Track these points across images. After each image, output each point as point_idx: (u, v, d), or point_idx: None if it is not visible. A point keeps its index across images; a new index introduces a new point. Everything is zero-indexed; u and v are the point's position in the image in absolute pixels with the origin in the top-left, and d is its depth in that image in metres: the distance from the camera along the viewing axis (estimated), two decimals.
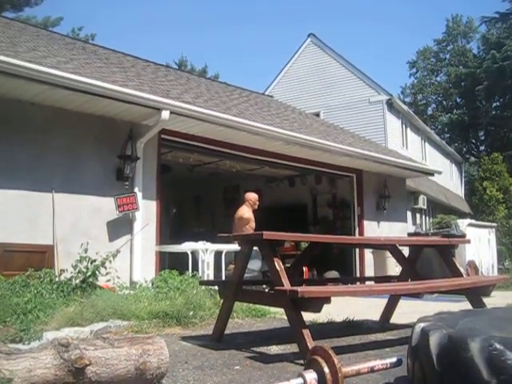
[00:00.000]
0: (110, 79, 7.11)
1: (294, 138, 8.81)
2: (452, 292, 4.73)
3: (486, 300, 4.68)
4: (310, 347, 3.11)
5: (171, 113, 7.00)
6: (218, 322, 4.15)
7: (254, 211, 8.29)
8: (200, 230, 11.60)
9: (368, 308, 5.58)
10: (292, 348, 3.57)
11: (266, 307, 5.44)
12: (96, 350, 2.31)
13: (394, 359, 2.49)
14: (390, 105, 18.23)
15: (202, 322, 4.70)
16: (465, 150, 39.57)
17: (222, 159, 10.32)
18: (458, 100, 40.04)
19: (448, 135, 39.30)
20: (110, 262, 6.02)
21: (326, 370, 2.16)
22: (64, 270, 5.90)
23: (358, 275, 11.15)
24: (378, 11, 73.96)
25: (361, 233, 11.52)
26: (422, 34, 77.26)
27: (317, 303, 3.37)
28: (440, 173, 14.81)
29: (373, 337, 4.12)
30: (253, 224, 8.04)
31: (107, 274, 5.92)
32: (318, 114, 15.47)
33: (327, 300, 3.26)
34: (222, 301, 4.32)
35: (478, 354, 1.88)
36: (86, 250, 5.84)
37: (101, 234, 6.94)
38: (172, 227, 11.58)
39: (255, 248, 4.12)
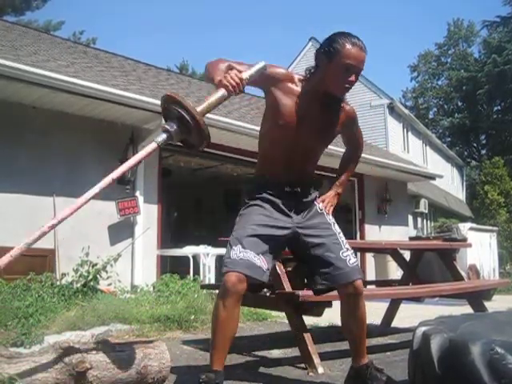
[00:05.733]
0: (111, 83, 7.13)
1: None
2: (453, 296, 4.73)
3: (487, 304, 4.67)
4: (311, 351, 3.11)
5: None
6: None
7: None
8: (201, 233, 11.60)
9: (369, 312, 5.57)
10: (293, 352, 3.56)
11: (268, 311, 5.44)
12: (97, 353, 2.31)
13: None
14: (392, 109, 18.23)
15: (204, 326, 4.68)
16: (466, 153, 39.55)
17: (223, 163, 10.32)
18: (460, 104, 40.05)
19: (449, 139, 39.31)
20: (112, 265, 6.02)
21: (183, 111, 2.09)
22: (65, 274, 5.91)
23: None
24: (378, 15, 74.12)
25: (362, 237, 11.52)
26: (423, 37, 77.57)
27: (318, 307, 3.37)
28: (441, 177, 14.81)
29: (374, 341, 4.11)
30: None
31: (108, 277, 5.93)
32: None
33: (328, 304, 3.26)
34: None
35: (479, 357, 1.87)
36: (87, 254, 5.85)
37: (102, 238, 6.95)
38: (173, 231, 11.59)
39: None
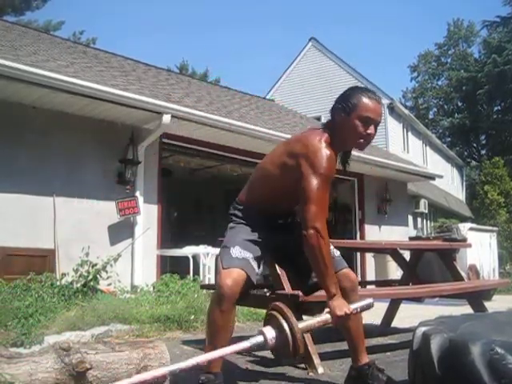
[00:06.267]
0: (110, 83, 7.13)
1: None
2: (453, 296, 4.73)
3: (487, 304, 4.67)
4: (311, 351, 3.11)
5: (172, 117, 7.01)
6: None
7: None
8: (201, 233, 11.59)
9: (369, 312, 5.57)
10: None
11: None
12: (97, 353, 2.31)
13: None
14: (392, 109, 18.24)
15: (203, 326, 4.67)
16: (466, 153, 39.57)
17: (224, 163, 10.32)
18: (460, 104, 40.06)
19: (449, 139, 39.32)
20: (111, 265, 6.01)
21: (285, 325, 2.11)
22: (65, 274, 5.90)
23: (359, 279, 11.13)
24: (378, 15, 74.15)
25: (362, 237, 11.51)
26: (423, 37, 77.62)
27: (318, 307, 3.36)
28: (441, 177, 14.80)
29: (374, 341, 4.11)
30: None
31: (108, 277, 5.92)
32: (319, 118, 15.50)
33: None
34: None
35: (479, 358, 1.87)
36: (87, 254, 5.84)
37: (102, 238, 6.94)
38: (173, 231, 11.58)
39: None
